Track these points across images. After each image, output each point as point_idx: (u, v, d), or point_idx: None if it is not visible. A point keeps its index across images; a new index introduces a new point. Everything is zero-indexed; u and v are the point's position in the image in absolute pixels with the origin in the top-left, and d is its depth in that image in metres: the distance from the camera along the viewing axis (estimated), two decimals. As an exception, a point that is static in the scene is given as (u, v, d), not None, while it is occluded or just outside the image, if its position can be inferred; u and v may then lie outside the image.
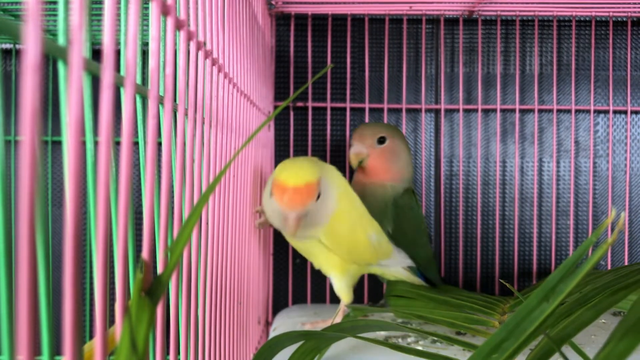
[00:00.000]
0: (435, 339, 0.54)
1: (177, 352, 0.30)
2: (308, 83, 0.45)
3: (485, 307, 0.55)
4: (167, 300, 0.26)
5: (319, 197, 0.51)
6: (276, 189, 0.50)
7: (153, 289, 0.22)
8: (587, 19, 0.85)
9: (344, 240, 0.57)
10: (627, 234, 0.85)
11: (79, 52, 0.18)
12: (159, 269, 0.27)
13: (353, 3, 0.80)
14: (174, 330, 0.29)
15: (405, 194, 0.71)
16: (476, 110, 0.84)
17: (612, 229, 0.85)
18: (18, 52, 0.82)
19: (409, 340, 0.56)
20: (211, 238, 0.38)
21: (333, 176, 0.57)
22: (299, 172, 0.51)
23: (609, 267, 0.84)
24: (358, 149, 0.70)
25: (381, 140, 0.70)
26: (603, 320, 0.63)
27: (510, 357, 0.27)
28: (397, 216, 0.70)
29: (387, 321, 0.41)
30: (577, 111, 0.85)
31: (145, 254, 0.23)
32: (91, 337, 0.80)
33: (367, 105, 0.83)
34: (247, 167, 0.54)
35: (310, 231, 0.55)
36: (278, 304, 0.82)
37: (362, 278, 0.82)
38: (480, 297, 0.61)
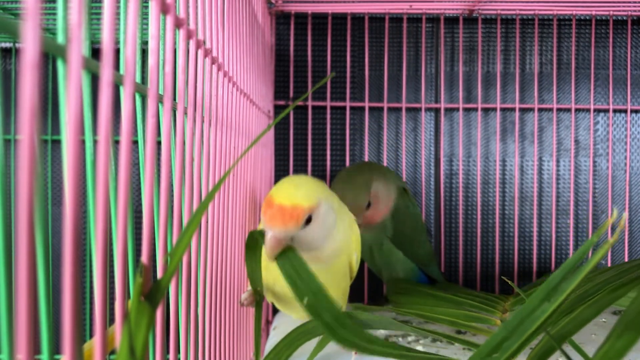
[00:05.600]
0: (436, 337, 0.54)
1: (177, 354, 0.30)
2: (309, 92, 0.45)
3: (486, 305, 0.55)
4: (166, 302, 0.26)
5: (309, 221, 0.45)
6: (264, 203, 0.45)
7: (152, 293, 0.21)
8: (587, 17, 0.85)
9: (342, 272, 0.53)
10: (627, 233, 0.85)
11: (78, 50, 0.18)
12: (159, 268, 0.27)
13: (353, 2, 0.80)
14: (173, 332, 0.29)
15: (398, 197, 0.70)
16: (476, 109, 0.84)
17: (613, 229, 0.85)
18: (17, 51, 0.81)
19: (409, 339, 0.55)
20: (210, 239, 0.37)
21: (334, 202, 0.51)
22: (292, 191, 0.45)
23: (610, 266, 0.84)
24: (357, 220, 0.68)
25: (368, 205, 0.67)
26: (603, 319, 0.63)
27: (512, 357, 0.27)
28: (396, 222, 0.70)
29: (379, 316, 0.40)
30: (577, 110, 0.85)
31: (144, 257, 0.23)
32: (91, 335, 0.80)
33: (367, 104, 0.83)
34: (246, 167, 0.54)
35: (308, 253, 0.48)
36: (278, 303, 0.82)
37: (361, 277, 0.82)
38: (481, 294, 0.61)
